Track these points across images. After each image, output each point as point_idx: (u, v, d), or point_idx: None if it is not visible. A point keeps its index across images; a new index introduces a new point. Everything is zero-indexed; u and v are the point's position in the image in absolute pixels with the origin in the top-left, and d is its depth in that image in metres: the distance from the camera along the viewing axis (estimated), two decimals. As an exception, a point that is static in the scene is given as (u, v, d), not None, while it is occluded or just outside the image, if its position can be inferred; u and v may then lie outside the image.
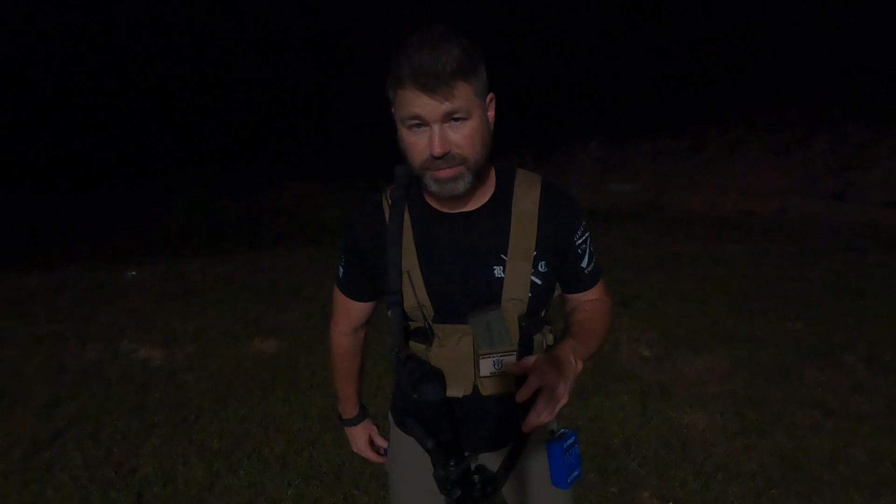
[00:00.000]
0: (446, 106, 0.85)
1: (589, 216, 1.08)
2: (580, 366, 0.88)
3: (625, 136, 18.58)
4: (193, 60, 22.12)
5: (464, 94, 0.85)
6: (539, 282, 1.00)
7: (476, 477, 0.92)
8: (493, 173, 1.03)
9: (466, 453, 0.95)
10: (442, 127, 0.86)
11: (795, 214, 11.00)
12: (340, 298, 1.18)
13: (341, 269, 1.14)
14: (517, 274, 0.99)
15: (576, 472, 0.94)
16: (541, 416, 0.79)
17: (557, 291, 1.10)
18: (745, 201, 12.67)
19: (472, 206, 1.00)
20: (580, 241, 1.04)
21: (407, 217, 1.01)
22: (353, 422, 1.33)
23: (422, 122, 0.87)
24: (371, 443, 1.36)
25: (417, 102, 0.85)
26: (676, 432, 2.73)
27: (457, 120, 0.87)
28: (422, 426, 0.98)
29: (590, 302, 1.09)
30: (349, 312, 1.18)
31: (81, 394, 3.17)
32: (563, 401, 0.81)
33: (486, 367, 1.01)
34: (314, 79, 22.47)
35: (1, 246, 8.52)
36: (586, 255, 1.06)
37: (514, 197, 1.01)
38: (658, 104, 17.77)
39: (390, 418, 1.23)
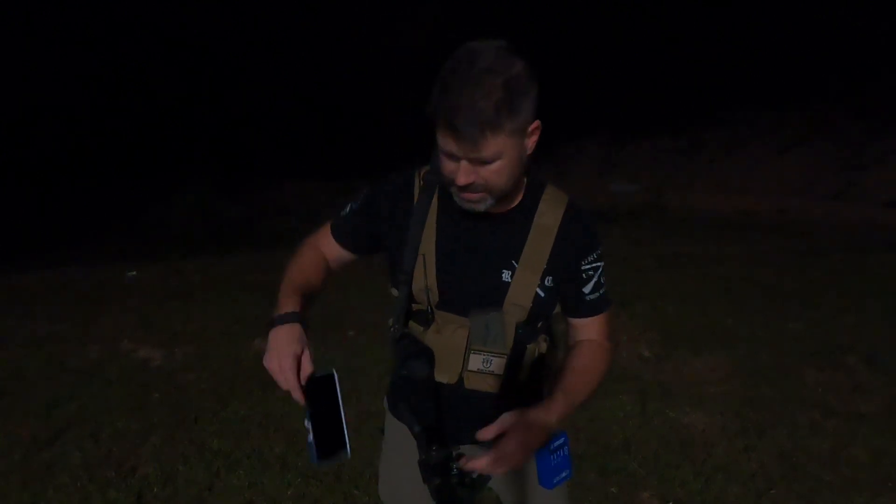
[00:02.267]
0: (474, 153, 0.87)
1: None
2: (555, 425, 0.94)
3: (625, 136, 18.59)
4: (194, 60, 22.11)
5: (493, 145, 0.86)
6: (542, 294, 1.03)
7: (454, 465, 0.93)
8: (523, 183, 1.05)
9: (450, 445, 0.99)
10: (469, 164, 0.89)
11: (795, 214, 11.00)
12: (325, 236, 1.16)
13: (347, 212, 1.14)
14: (523, 282, 1.02)
15: (563, 474, 0.94)
16: (482, 464, 0.86)
17: (558, 308, 1.11)
18: (745, 201, 12.67)
19: (497, 209, 1.02)
20: (587, 267, 1.06)
21: (435, 203, 1.05)
22: (286, 319, 0.92)
23: (453, 157, 0.89)
24: (298, 367, 0.88)
25: (449, 142, 0.87)
26: (676, 432, 2.73)
27: (489, 161, 0.88)
28: (411, 411, 1.03)
29: (589, 345, 1.09)
30: (329, 247, 1.16)
31: (81, 394, 3.17)
32: (513, 464, 0.87)
33: (476, 362, 1.04)
34: (315, 79, 22.47)
35: (1, 246, 8.52)
36: (591, 283, 1.07)
37: (538, 210, 1.04)
38: (658, 104, 17.78)
39: (385, 404, 1.27)
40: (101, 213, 12.41)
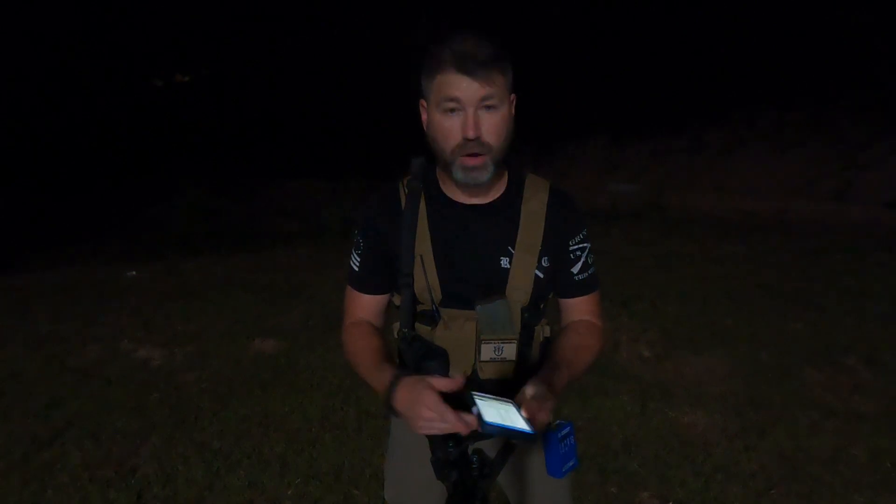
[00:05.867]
0: (484, 90, 0.91)
1: (589, 216, 1.10)
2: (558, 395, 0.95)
3: (625, 136, 18.59)
4: (193, 60, 22.12)
5: (499, 83, 0.93)
6: (541, 275, 1.06)
7: (475, 458, 0.94)
8: (505, 173, 1.10)
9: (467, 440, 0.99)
10: (476, 112, 0.92)
11: (795, 214, 10.99)
12: (352, 296, 1.17)
13: (356, 262, 1.14)
14: (523, 266, 1.05)
15: (571, 463, 0.96)
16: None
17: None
18: (745, 201, 12.67)
19: (485, 199, 1.07)
20: (575, 247, 1.10)
21: (422, 205, 1.07)
22: (395, 382, 0.95)
23: (457, 107, 0.92)
24: (440, 399, 0.88)
25: (457, 84, 0.91)
26: (676, 432, 2.73)
27: (489, 108, 0.93)
28: None
29: (584, 325, 1.12)
30: (361, 306, 1.16)
31: (81, 394, 3.17)
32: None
33: (487, 352, 1.05)
34: (314, 79, 22.48)
35: (1, 246, 8.52)
36: (579, 263, 1.11)
37: (523, 197, 1.08)
38: (658, 104, 17.78)
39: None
40: (101, 214, 12.41)
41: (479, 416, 0.79)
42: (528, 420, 0.82)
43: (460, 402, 1.02)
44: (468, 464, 0.95)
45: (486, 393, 0.87)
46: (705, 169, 16.12)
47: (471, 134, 0.92)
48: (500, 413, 0.82)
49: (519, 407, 0.84)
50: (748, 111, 16.59)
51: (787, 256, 6.50)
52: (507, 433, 0.79)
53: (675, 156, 17.23)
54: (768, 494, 2.26)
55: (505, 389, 1.03)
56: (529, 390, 0.85)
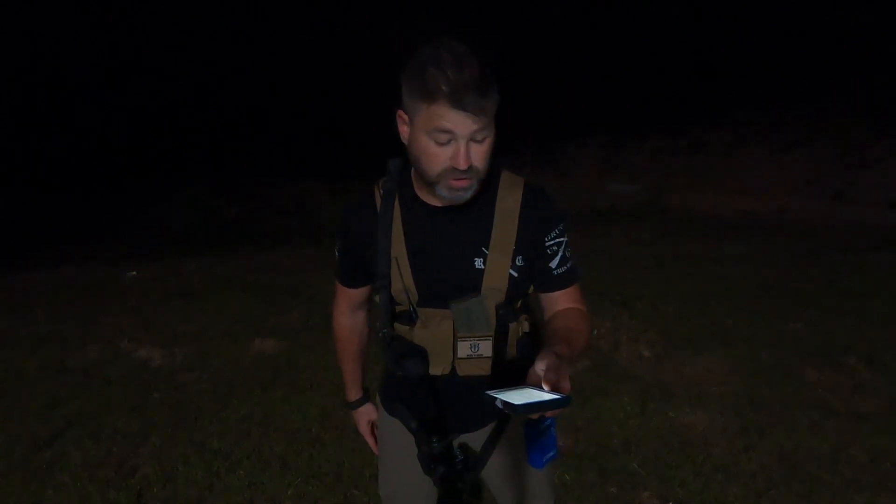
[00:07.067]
0: (477, 124, 0.89)
1: (589, 216, 1.10)
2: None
3: (625, 136, 18.59)
4: (194, 61, 22.12)
5: (490, 111, 0.91)
6: (516, 274, 1.06)
7: (458, 451, 0.95)
8: None
9: (450, 435, 1.02)
10: (468, 143, 0.91)
11: (795, 214, 11.00)
12: (339, 291, 1.28)
13: (337, 258, 1.21)
14: (496, 266, 1.05)
15: (551, 454, 0.96)
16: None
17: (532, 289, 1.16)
18: (745, 201, 12.68)
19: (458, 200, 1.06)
20: (551, 242, 1.09)
21: (397, 207, 1.08)
22: (355, 405, 1.41)
23: (450, 139, 0.91)
24: (373, 428, 1.40)
25: (452, 119, 0.88)
26: (676, 432, 2.73)
27: (480, 138, 0.92)
28: (407, 408, 1.10)
29: (570, 311, 1.12)
30: (345, 296, 1.27)
31: (81, 394, 3.17)
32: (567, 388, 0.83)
33: (464, 349, 1.08)
34: (315, 80, 22.48)
35: (1, 246, 8.52)
36: (557, 257, 1.10)
37: (498, 196, 1.08)
38: (658, 104, 17.79)
39: (378, 401, 1.32)
40: (101, 214, 12.42)
41: (508, 404, 0.78)
42: (552, 392, 0.81)
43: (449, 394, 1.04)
44: (453, 458, 0.98)
45: (497, 388, 0.86)
46: (705, 169, 16.13)
47: (463, 166, 0.92)
48: (523, 396, 0.82)
49: (537, 386, 0.82)
50: (748, 111, 16.59)
51: (787, 256, 6.50)
52: (541, 407, 0.78)
53: (675, 156, 17.23)
54: (768, 494, 2.26)
55: (482, 385, 1.03)
56: (540, 366, 0.82)
